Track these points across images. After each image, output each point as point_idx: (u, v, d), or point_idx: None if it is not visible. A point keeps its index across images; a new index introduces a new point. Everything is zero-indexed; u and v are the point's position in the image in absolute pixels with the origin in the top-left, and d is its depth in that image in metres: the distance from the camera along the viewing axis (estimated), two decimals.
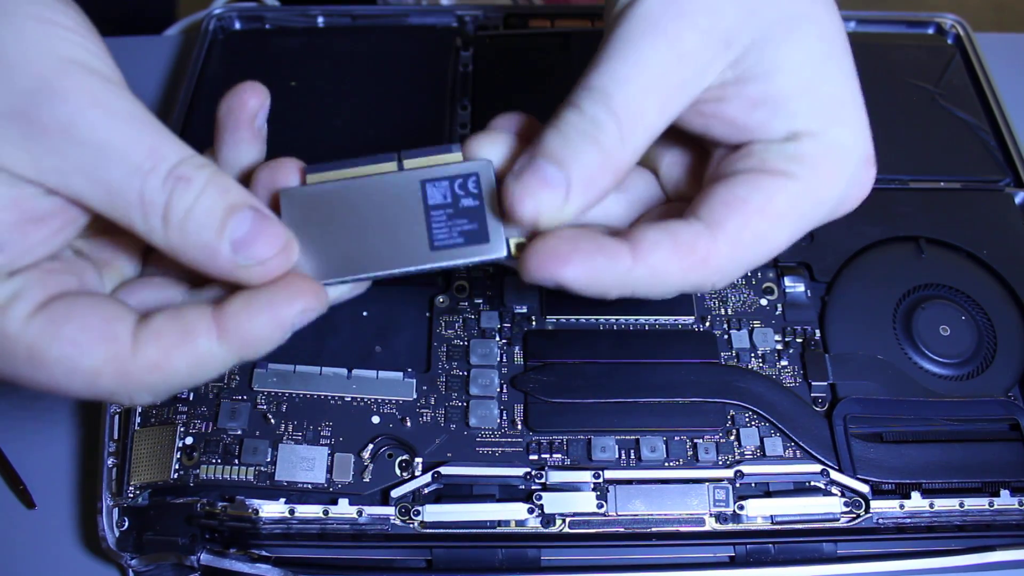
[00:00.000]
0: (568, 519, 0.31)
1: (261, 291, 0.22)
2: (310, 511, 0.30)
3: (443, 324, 0.34)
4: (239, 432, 0.32)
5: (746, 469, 0.32)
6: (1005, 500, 0.32)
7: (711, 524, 0.31)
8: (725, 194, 0.23)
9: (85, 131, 0.20)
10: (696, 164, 0.26)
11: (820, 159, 0.23)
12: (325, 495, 0.31)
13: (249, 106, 0.24)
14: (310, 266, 0.23)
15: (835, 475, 0.32)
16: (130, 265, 0.24)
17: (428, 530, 0.31)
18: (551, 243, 0.22)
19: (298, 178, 0.24)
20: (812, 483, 0.32)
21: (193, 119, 0.39)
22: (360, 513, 0.30)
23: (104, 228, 0.22)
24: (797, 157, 0.23)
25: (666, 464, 0.32)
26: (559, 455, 0.32)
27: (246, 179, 0.25)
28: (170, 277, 0.24)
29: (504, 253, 0.23)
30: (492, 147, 0.25)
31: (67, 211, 0.21)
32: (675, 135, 0.25)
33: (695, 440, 0.32)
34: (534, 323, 0.34)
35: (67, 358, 0.21)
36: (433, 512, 0.30)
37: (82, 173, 0.20)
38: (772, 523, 0.31)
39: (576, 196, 0.22)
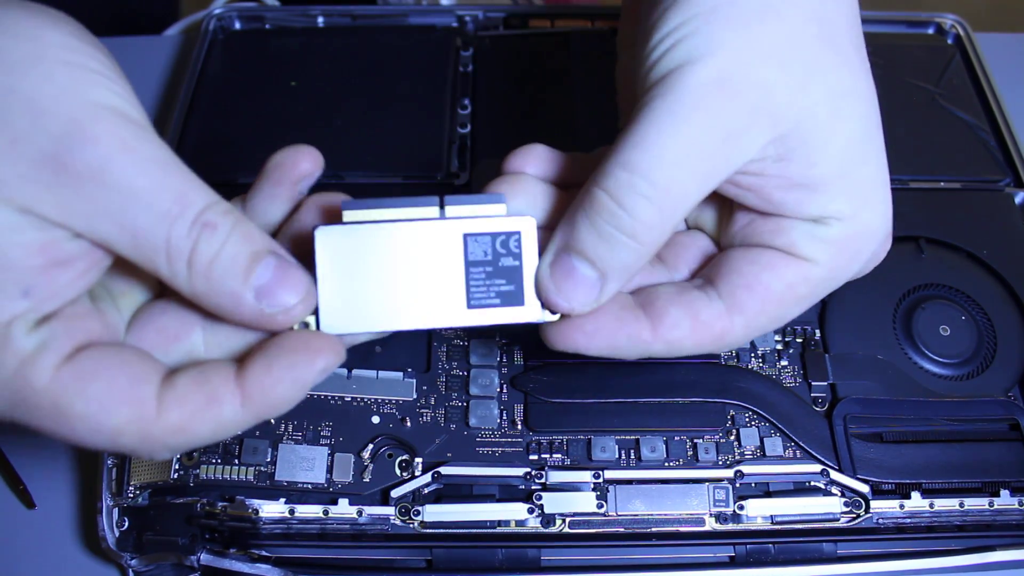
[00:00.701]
0: (568, 519, 0.31)
1: (282, 354, 0.22)
2: (310, 511, 0.30)
3: None
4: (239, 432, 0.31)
5: (746, 469, 0.32)
6: (1005, 500, 0.32)
7: (711, 524, 0.31)
8: (749, 276, 0.24)
9: (115, 176, 0.20)
10: (720, 208, 0.26)
11: (847, 244, 0.24)
12: (325, 495, 0.31)
13: (300, 169, 0.25)
14: (339, 311, 0.23)
15: (835, 475, 0.32)
16: (145, 291, 0.24)
17: (428, 530, 0.31)
18: (577, 320, 0.23)
19: (338, 201, 0.24)
20: (812, 483, 0.32)
21: (193, 119, 0.39)
22: (360, 513, 0.30)
23: (123, 263, 0.22)
24: (824, 240, 0.23)
25: (666, 464, 0.32)
26: (559, 455, 0.32)
27: (271, 233, 0.25)
28: (185, 303, 0.23)
29: (539, 318, 0.24)
30: (522, 196, 0.25)
31: (92, 254, 0.21)
32: None
33: (695, 440, 0.32)
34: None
35: (92, 416, 0.21)
36: (433, 512, 0.30)
37: (110, 218, 0.20)
38: (772, 523, 0.31)
39: (611, 288, 0.23)
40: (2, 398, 0.21)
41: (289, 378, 0.22)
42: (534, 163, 0.26)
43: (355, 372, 0.33)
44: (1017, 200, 0.39)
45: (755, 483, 0.32)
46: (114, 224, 0.20)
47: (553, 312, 0.24)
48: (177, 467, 0.31)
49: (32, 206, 0.20)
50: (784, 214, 0.23)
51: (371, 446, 0.32)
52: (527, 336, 0.34)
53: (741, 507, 0.31)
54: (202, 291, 0.21)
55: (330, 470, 0.31)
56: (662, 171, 0.21)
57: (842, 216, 0.23)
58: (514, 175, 0.26)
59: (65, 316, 0.22)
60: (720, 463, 0.32)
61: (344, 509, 0.31)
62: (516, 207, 0.25)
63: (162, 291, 0.24)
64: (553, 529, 0.31)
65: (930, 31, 0.46)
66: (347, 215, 0.23)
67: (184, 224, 0.21)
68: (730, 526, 0.31)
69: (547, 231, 0.24)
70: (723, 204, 0.26)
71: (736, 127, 0.22)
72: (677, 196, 0.22)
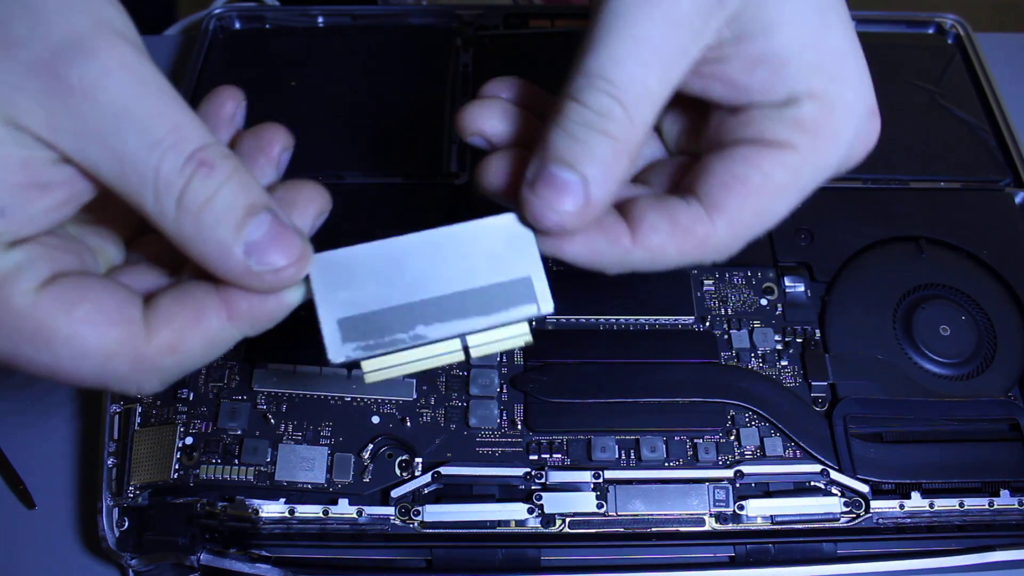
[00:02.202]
0: (568, 519, 0.31)
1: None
2: (310, 511, 0.30)
3: None
4: (239, 432, 0.32)
5: (746, 469, 0.32)
6: (1005, 500, 0.32)
7: (711, 524, 0.31)
8: (723, 173, 0.23)
9: (109, 94, 0.19)
10: (696, 121, 0.26)
11: (822, 124, 0.23)
12: (325, 495, 0.31)
13: (225, 109, 0.24)
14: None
15: (835, 475, 0.32)
16: (116, 252, 0.24)
17: (428, 530, 0.31)
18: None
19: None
20: (812, 483, 0.32)
21: None
22: (360, 513, 0.30)
23: (95, 212, 0.22)
24: (798, 124, 0.23)
25: (666, 464, 0.32)
26: (559, 455, 0.32)
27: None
28: (153, 264, 0.23)
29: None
30: (491, 119, 0.25)
31: (74, 184, 0.20)
32: (674, 97, 0.24)
33: (695, 440, 0.32)
34: (534, 323, 0.34)
35: (80, 338, 0.20)
36: (433, 512, 0.30)
37: (99, 139, 0.19)
38: (772, 523, 0.31)
39: (597, 193, 0.22)
40: None
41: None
42: (509, 90, 0.26)
43: (355, 372, 0.33)
44: (1017, 200, 0.39)
45: (755, 483, 0.32)
46: (103, 147, 0.19)
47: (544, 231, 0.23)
48: (177, 467, 0.31)
49: (20, 118, 0.19)
50: (753, 102, 0.23)
51: (371, 446, 0.32)
52: None
53: (741, 507, 0.31)
54: (188, 235, 0.20)
55: (330, 470, 0.31)
56: (619, 70, 0.22)
57: (812, 93, 0.23)
58: (489, 98, 0.25)
59: (42, 243, 0.21)
60: (720, 463, 0.32)
61: (344, 509, 0.30)
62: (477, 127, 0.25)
63: (129, 252, 0.24)
64: (553, 529, 0.31)
65: (930, 31, 0.46)
66: (366, 365, 0.23)
67: (178, 157, 0.20)
68: (730, 526, 0.31)
69: (524, 149, 0.24)
70: (700, 117, 0.26)
71: (682, 13, 0.22)
72: (639, 91, 0.22)
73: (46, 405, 0.36)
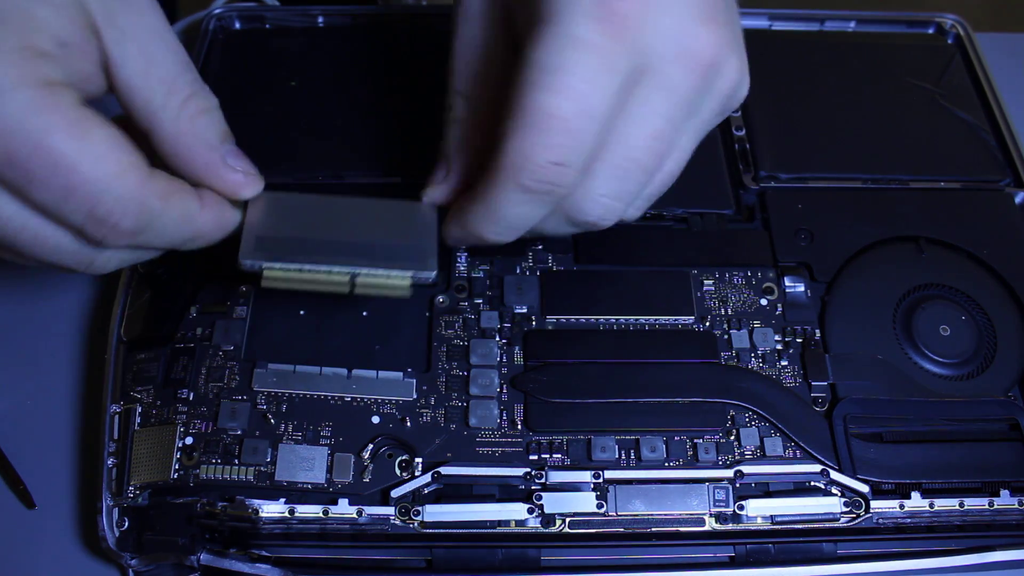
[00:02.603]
0: (568, 519, 0.31)
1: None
2: (310, 511, 0.30)
3: (443, 324, 0.34)
4: (239, 432, 0.31)
5: (746, 469, 0.32)
6: (1005, 500, 0.32)
7: (711, 524, 0.31)
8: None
9: (154, 16, 0.27)
10: None
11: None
12: (325, 495, 0.31)
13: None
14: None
15: (835, 475, 0.32)
16: None
17: (428, 530, 0.31)
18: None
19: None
20: (812, 483, 0.32)
21: None
22: (360, 513, 0.30)
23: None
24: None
25: (666, 464, 0.32)
26: (559, 455, 0.32)
27: None
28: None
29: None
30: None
31: (98, 75, 0.26)
32: None
33: (695, 440, 0.32)
34: (534, 323, 0.34)
35: (108, 143, 0.24)
36: (433, 512, 0.30)
37: (138, 40, 0.26)
38: (772, 523, 0.31)
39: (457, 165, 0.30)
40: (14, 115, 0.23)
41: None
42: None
43: (355, 372, 0.33)
44: (1017, 200, 0.39)
45: (755, 483, 0.32)
46: (139, 47, 0.26)
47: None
48: (177, 467, 0.31)
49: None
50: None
51: (371, 446, 0.32)
52: (527, 336, 0.34)
53: (741, 507, 0.31)
54: (185, 131, 0.27)
55: (330, 470, 0.31)
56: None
57: None
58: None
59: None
60: (720, 463, 0.32)
61: (344, 509, 0.30)
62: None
63: None
64: (553, 529, 0.31)
65: (930, 31, 0.46)
66: (265, 269, 0.29)
67: (192, 76, 0.27)
68: (730, 526, 0.31)
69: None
70: None
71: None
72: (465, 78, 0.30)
73: (46, 405, 0.36)
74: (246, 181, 0.29)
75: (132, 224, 0.25)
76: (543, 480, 0.31)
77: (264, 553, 0.30)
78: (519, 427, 0.32)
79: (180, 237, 0.28)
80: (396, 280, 0.29)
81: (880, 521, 0.31)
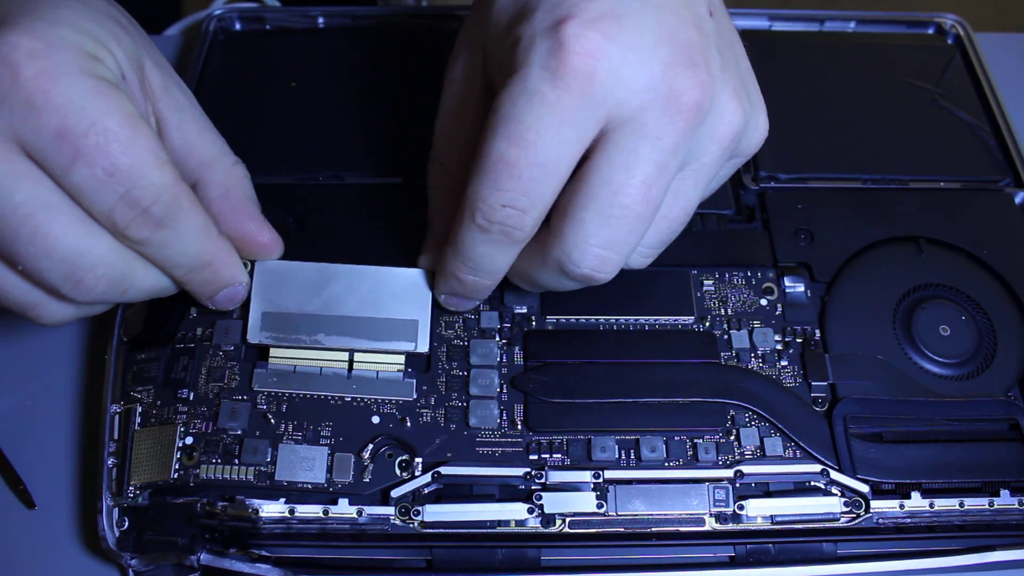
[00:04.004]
0: (568, 519, 0.31)
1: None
2: (310, 511, 0.30)
3: (443, 324, 0.34)
4: (239, 432, 0.32)
5: (746, 469, 0.32)
6: (1005, 500, 0.32)
7: (711, 524, 0.31)
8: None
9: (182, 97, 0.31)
10: None
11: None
12: (325, 495, 0.31)
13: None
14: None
15: (835, 475, 0.32)
16: None
17: (428, 530, 0.31)
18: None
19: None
20: (812, 483, 0.32)
21: None
22: (360, 513, 0.30)
23: None
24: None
25: (666, 464, 0.32)
26: (559, 455, 0.32)
27: None
28: None
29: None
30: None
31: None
32: None
33: (695, 440, 0.32)
34: (534, 323, 0.34)
35: (153, 138, 0.26)
36: (433, 512, 0.30)
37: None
38: (772, 523, 0.31)
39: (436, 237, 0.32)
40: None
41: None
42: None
43: (355, 372, 0.33)
44: (1017, 200, 0.39)
45: (755, 483, 0.32)
46: (194, 118, 0.31)
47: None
48: (177, 467, 0.31)
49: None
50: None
51: (371, 446, 0.32)
52: (527, 336, 0.34)
53: (741, 507, 0.31)
54: (234, 185, 0.31)
55: (330, 470, 0.31)
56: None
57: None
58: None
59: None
60: (720, 463, 0.32)
61: (344, 509, 0.31)
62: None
63: None
64: (553, 529, 0.31)
65: (930, 31, 0.46)
66: (272, 359, 0.33)
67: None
68: (730, 526, 0.31)
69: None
70: None
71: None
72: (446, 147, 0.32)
73: (47, 405, 0.36)
74: (273, 243, 0.32)
75: (161, 212, 0.26)
76: (543, 480, 0.31)
77: (264, 553, 0.31)
78: (519, 427, 0.32)
79: (196, 251, 0.29)
80: (392, 357, 0.32)
81: (880, 521, 0.31)
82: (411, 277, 0.33)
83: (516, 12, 0.26)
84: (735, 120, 0.27)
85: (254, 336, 0.32)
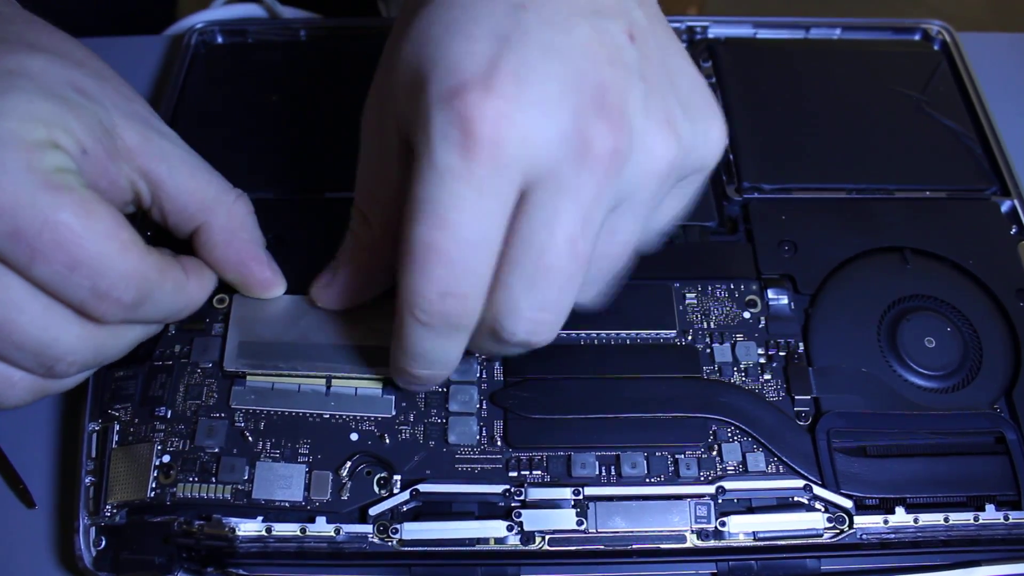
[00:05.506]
0: (548, 536, 0.31)
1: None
2: (288, 529, 0.30)
3: None
4: (216, 450, 0.31)
5: (728, 485, 0.31)
6: (990, 514, 0.31)
7: (693, 541, 0.31)
8: None
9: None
10: None
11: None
12: (303, 513, 0.31)
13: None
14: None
15: (818, 490, 0.32)
16: None
17: (407, 548, 0.30)
18: None
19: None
20: (795, 498, 0.32)
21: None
22: (338, 531, 0.30)
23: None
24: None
25: (647, 480, 0.32)
26: (539, 472, 0.32)
27: None
28: None
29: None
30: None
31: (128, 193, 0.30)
32: None
33: (676, 456, 0.32)
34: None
35: (111, 220, 0.26)
36: (412, 530, 0.30)
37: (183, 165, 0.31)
38: (755, 539, 0.31)
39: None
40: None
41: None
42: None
43: (334, 389, 0.32)
44: (1003, 209, 0.39)
45: (737, 499, 0.32)
46: (183, 161, 0.30)
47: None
48: (154, 486, 0.31)
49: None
50: None
51: (349, 463, 0.31)
52: None
53: (723, 523, 0.31)
54: (237, 226, 0.31)
55: (308, 488, 0.31)
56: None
57: None
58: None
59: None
60: (702, 479, 0.32)
61: (322, 527, 0.30)
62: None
63: None
64: (533, 547, 0.31)
65: (916, 37, 0.45)
66: (249, 378, 0.32)
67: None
68: (712, 543, 0.31)
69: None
70: None
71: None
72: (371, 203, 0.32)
73: (46, 404, 0.35)
74: (275, 279, 0.32)
75: (133, 296, 0.26)
76: (523, 497, 0.31)
77: (242, 572, 0.30)
78: (499, 444, 0.32)
79: (174, 307, 0.29)
80: (369, 383, 0.32)
81: (864, 537, 0.31)
82: (387, 306, 0.32)
83: (413, 78, 0.24)
84: (666, 152, 0.25)
85: (231, 364, 0.32)
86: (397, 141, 0.27)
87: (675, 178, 0.27)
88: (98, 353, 0.28)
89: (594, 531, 0.31)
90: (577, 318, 0.34)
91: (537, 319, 0.25)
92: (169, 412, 0.32)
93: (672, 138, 0.25)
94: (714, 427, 0.33)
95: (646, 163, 0.25)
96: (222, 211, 0.31)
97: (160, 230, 0.32)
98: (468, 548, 0.30)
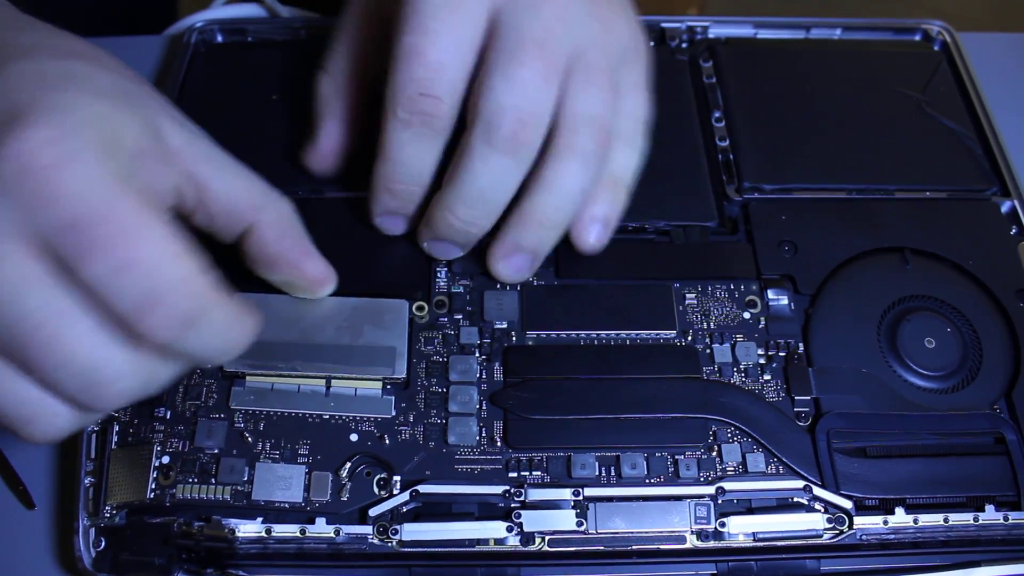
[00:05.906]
0: (548, 537, 0.31)
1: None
2: (287, 530, 0.30)
3: (422, 340, 0.34)
4: (216, 451, 0.31)
5: (728, 486, 0.31)
6: (990, 515, 0.31)
7: (692, 541, 0.31)
8: None
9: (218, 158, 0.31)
10: None
11: None
12: (302, 514, 0.31)
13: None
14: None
15: (818, 491, 0.31)
16: None
17: (406, 549, 0.30)
18: None
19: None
20: (795, 499, 0.32)
21: None
22: (338, 532, 0.30)
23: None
24: None
25: (647, 481, 0.32)
26: (539, 472, 0.32)
27: None
28: None
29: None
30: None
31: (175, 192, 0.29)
32: None
33: (676, 456, 0.32)
34: (514, 339, 0.34)
35: (169, 227, 0.25)
36: (411, 531, 0.30)
37: (228, 171, 0.31)
38: (754, 540, 0.31)
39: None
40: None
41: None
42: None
43: (333, 390, 0.32)
44: (1003, 209, 0.39)
45: (737, 500, 0.32)
46: (224, 165, 0.30)
47: None
48: (154, 487, 0.31)
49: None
50: None
51: (349, 464, 0.31)
52: (507, 352, 0.34)
53: (723, 524, 0.31)
54: (287, 224, 0.32)
55: (307, 489, 0.31)
56: None
57: None
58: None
59: None
60: (702, 480, 0.32)
61: (321, 528, 0.30)
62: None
63: None
64: (532, 547, 0.31)
65: (917, 38, 0.45)
66: (249, 378, 0.32)
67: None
68: (712, 543, 0.31)
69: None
70: None
71: None
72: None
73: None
74: (329, 275, 0.32)
75: (182, 313, 0.24)
76: (522, 498, 0.31)
77: (241, 573, 0.30)
78: (498, 444, 0.32)
79: (219, 341, 0.26)
80: (369, 383, 0.32)
81: (864, 537, 0.31)
82: (388, 306, 0.33)
83: None
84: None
85: (230, 364, 0.32)
86: (376, 7, 0.33)
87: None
88: (146, 382, 0.26)
89: (594, 532, 0.31)
90: (578, 318, 0.34)
91: (519, 106, 0.29)
92: (168, 413, 0.32)
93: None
94: (714, 428, 0.33)
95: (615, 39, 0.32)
96: (272, 209, 0.31)
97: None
98: (468, 549, 0.30)
